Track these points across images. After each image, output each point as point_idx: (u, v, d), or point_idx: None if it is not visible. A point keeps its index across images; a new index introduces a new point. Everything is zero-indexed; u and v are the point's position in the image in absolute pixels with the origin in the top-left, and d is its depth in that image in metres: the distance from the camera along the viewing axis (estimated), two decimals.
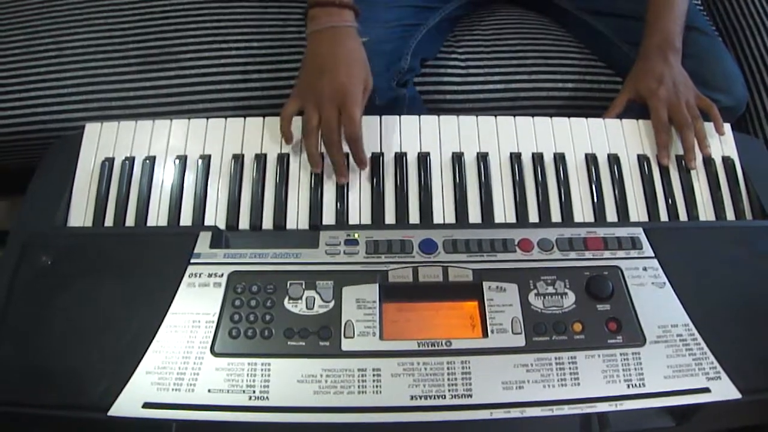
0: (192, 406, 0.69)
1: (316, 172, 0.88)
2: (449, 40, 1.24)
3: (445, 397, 0.70)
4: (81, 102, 1.17)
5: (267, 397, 0.70)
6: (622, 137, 0.94)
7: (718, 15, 1.38)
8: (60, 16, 1.26)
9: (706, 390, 0.72)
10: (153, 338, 0.73)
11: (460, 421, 0.70)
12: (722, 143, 0.96)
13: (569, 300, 0.77)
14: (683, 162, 0.93)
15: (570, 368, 0.72)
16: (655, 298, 0.78)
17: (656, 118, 0.95)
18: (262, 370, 0.71)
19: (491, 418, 0.70)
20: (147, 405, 0.69)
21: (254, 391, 0.70)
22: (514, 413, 0.70)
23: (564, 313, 0.76)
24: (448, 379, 0.71)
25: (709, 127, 0.96)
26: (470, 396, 0.70)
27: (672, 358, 0.74)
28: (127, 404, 0.69)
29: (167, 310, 0.74)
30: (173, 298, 0.75)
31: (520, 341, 0.74)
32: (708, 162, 0.94)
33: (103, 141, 0.90)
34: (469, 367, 0.72)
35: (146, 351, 0.72)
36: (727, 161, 0.94)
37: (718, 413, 0.75)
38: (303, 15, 0.95)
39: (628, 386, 0.72)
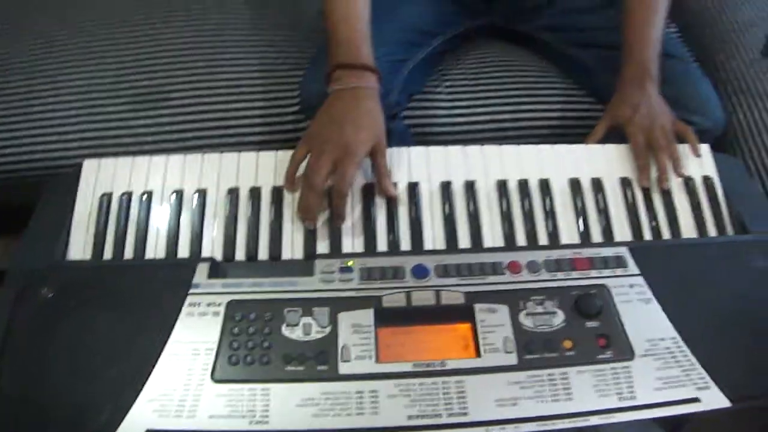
0: None
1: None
2: (435, 74, 1.27)
3: (441, 416, 0.71)
4: (76, 140, 1.20)
5: (267, 421, 0.70)
6: (604, 162, 0.97)
7: (696, 42, 1.43)
8: (56, 58, 1.30)
9: (696, 400, 0.74)
10: (154, 366, 0.74)
11: None
12: (702, 163, 0.99)
13: (559, 318, 0.79)
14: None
15: (562, 384, 0.74)
16: (642, 314, 0.79)
17: (634, 144, 0.99)
18: (261, 394, 0.72)
19: None
20: None
21: (254, 416, 0.71)
22: (509, 429, 0.71)
23: (554, 330, 0.78)
24: (444, 399, 0.72)
25: (687, 149, 0.99)
26: (466, 414, 0.71)
27: (661, 370, 0.75)
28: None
29: (167, 339, 0.76)
30: (173, 327, 0.76)
31: (512, 360, 0.75)
32: (688, 182, 0.96)
33: (101, 177, 0.92)
34: (464, 386, 0.73)
35: (148, 379, 0.73)
36: (707, 180, 0.97)
37: (709, 422, 0.77)
38: (326, 77, 0.97)
39: (620, 399, 0.73)
